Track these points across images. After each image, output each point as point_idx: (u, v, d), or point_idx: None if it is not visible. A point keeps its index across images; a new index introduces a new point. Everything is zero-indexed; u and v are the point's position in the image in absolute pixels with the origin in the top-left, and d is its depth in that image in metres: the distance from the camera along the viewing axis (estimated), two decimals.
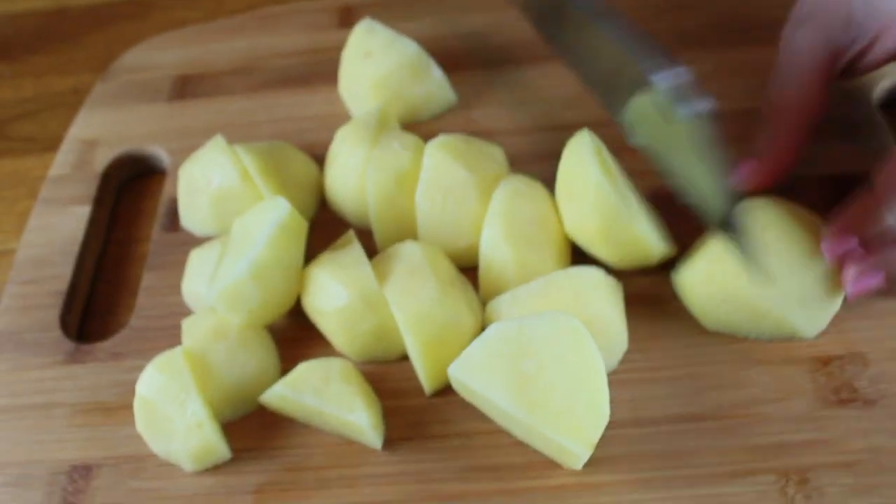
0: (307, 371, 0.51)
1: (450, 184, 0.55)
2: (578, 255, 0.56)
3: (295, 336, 0.56)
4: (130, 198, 0.68)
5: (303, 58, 0.73)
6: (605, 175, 0.51)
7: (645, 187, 0.56)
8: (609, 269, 0.53)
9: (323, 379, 0.51)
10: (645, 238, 0.52)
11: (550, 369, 0.46)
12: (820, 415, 0.48)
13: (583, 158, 0.52)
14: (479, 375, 0.47)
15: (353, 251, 0.54)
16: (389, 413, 0.52)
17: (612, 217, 0.51)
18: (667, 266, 0.54)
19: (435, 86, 0.65)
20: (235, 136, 0.66)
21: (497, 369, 0.47)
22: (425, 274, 0.52)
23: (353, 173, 0.59)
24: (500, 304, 0.52)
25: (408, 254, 0.53)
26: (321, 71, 0.71)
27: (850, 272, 0.49)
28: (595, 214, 0.51)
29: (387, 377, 0.53)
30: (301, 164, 0.62)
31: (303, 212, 0.60)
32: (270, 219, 0.53)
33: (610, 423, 0.46)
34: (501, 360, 0.47)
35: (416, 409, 0.52)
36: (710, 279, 0.51)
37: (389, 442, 0.51)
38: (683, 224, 0.54)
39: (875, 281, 0.49)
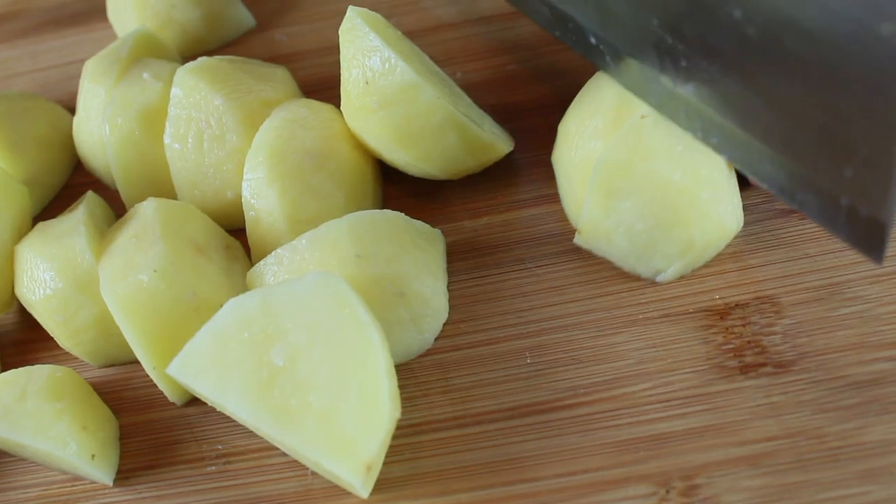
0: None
1: (205, 118, 0.41)
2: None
3: (23, 338, 0.42)
4: None
5: None
6: (384, 40, 0.37)
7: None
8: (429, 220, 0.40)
9: (18, 395, 0.36)
10: (454, 118, 0.37)
11: (307, 359, 0.32)
12: (715, 390, 0.35)
13: (356, 33, 0.38)
14: (209, 374, 0.33)
15: (70, 219, 0.40)
16: (131, 432, 0.39)
17: (389, 83, 0.37)
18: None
19: (221, 6, 0.50)
20: None
21: (233, 364, 0.33)
22: (151, 240, 0.37)
23: (94, 117, 0.44)
24: (262, 271, 0.38)
25: (140, 215, 0.39)
26: (96, 6, 0.56)
27: None
28: (369, 90, 0.37)
29: (131, 384, 0.40)
30: (49, 118, 0.48)
31: (49, 175, 0.48)
32: None
33: (423, 423, 0.35)
34: (239, 350, 0.33)
35: (165, 425, 0.38)
36: None
37: (125, 473, 0.37)
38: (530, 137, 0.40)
39: None
